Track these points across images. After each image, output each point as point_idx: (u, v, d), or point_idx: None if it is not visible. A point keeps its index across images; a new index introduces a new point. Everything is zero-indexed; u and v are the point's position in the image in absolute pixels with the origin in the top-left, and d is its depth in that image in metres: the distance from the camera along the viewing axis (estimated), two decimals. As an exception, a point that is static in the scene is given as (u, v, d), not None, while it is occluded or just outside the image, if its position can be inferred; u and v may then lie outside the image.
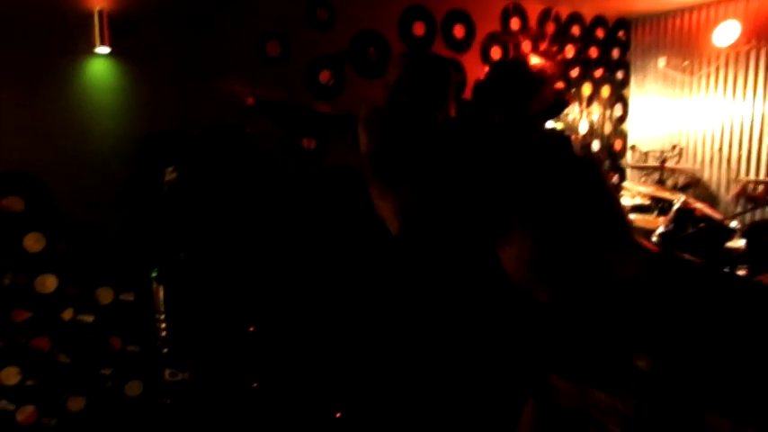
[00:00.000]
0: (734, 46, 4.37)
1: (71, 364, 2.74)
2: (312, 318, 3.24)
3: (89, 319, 2.79)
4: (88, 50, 2.95)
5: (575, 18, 4.69)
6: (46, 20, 2.85)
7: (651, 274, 1.05)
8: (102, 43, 2.94)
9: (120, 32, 2.99)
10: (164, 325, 2.81)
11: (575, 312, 1.09)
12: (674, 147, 4.73)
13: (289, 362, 3.11)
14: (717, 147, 4.66)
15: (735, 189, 4.43)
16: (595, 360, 1.04)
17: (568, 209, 1.12)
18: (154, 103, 3.09)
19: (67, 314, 2.75)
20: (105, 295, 2.86)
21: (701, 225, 3.97)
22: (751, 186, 4.42)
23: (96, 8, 2.94)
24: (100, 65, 3.01)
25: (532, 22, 4.46)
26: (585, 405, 1.01)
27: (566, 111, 4.44)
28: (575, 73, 4.74)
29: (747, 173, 4.50)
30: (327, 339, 3.18)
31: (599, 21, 4.84)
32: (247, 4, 3.35)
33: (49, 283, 2.73)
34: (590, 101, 4.89)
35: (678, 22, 4.79)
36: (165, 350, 2.80)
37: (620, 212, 1.26)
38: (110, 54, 3.00)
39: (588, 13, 4.75)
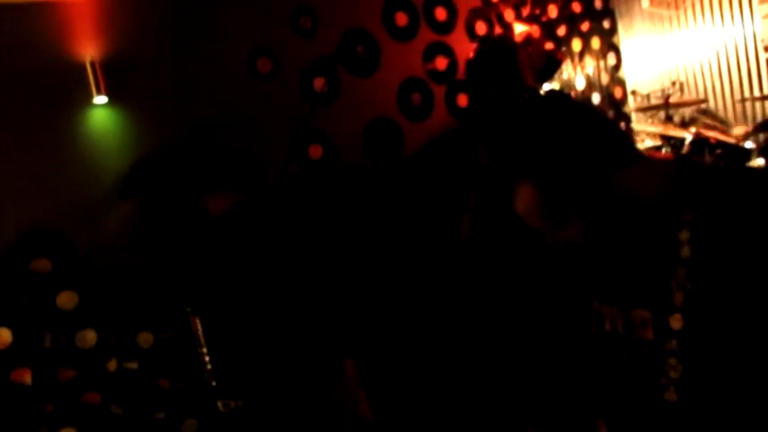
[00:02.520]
0: (714, -28, 3.90)
1: (125, 414, 2.48)
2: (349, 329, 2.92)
3: (134, 365, 2.52)
4: (87, 101, 2.68)
5: (551, -23, 4.24)
6: (44, 77, 2.61)
7: (678, 187, 0.88)
8: (99, 93, 2.68)
9: (115, 80, 2.72)
10: (207, 358, 2.52)
11: (606, 245, 0.95)
12: (674, 83, 4.26)
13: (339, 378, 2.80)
14: (716, 74, 4.20)
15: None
16: (636, 281, 0.93)
17: (571, 146, 0.92)
18: (156, 141, 2.80)
19: (112, 365, 2.49)
20: (146, 339, 2.58)
21: (718, 152, 3.55)
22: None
23: (88, 59, 2.67)
24: (100, 114, 2.74)
25: (511, -11, 4.04)
26: (631, 325, 0.91)
27: (559, 69, 4.02)
28: (561, 31, 4.29)
29: (751, 91, 4.03)
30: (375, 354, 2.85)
31: (576, -25, 4.38)
32: (230, 28, 3.04)
33: (90, 337, 2.46)
34: (582, 55, 4.43)
35: (654, -42, 4.32)
36: (214, 382, 2.51)
37: (624, 132, 1.08)
38: (108, 102, 2.72)
39: (563, -31, 4.30)
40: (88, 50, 2.70)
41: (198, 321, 2.55)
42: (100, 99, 2.69)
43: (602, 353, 0.99)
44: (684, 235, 0.87)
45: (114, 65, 2.73)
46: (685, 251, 0.86)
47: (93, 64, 2.69)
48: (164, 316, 2.64)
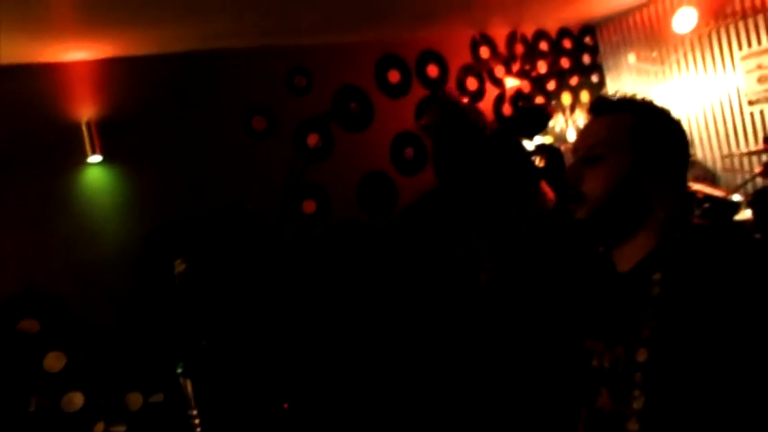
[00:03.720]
0: (695, 30, 4.14)
1: (111, 481, 2.47)
2: (342, 378, 2.94)
3: (122, 428, 2.52)
4: (82, 161, 2.79)
5: (541, 35, 4.48)
6: (41, 136, 2.72)
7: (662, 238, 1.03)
8: (94, 152, 2.79)
9: (110, 139, 2.85)
10: (197, 420, 2.53)
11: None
12: (661, 135, 4.45)
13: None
14: (702, 126, 4.40)
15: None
16: (617, 318, 1.03)
17: None
18: (151, 198, 2.91)
19: (99, 428, 2.49)
20: (135, 400, 2.60)
21: (706, 205, 3.68)
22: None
23: (84, 120, 2.78)
24: (95, 173, 2.84)
25: (501, 47, 4.26)
26: (615, 360, 1.00)
27: (550, 123, 4.19)
28: (551, 86, 4.51)
29: (738, 145, 4.22)
30: (357, 398, 2.87)
31: (564, 32, 4.63)
32: (228, 86, 3.19)
33: (76, 400, 2.48)
34: (572, 108, 4.64)
35: (639, 17, 4.58)
36: (204, 446, 2.51)
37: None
38: (102, 161, 2.82)
39: (552, 27, 4.54)
40: (84, 111, 2.83)
41: (189, 383, 2.57)
42: (94, 158, 2.79)
43: (584, 387, 1.08)
44: (657, 276, 0.97)
45: (109, 125, 2.85)
46: (655, 290, 0.96)
47: (88, 124, 2.80)
48: (154, 377, 2.65)
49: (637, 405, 0.94)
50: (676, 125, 1.06)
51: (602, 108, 1.08)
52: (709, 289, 0.90)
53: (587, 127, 1.10)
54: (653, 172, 1.01)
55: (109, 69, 2.90)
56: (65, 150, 2.77)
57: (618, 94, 1.08)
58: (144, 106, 2.97)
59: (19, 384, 2.40)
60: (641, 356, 0.95)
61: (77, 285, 2.68)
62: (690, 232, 0.99)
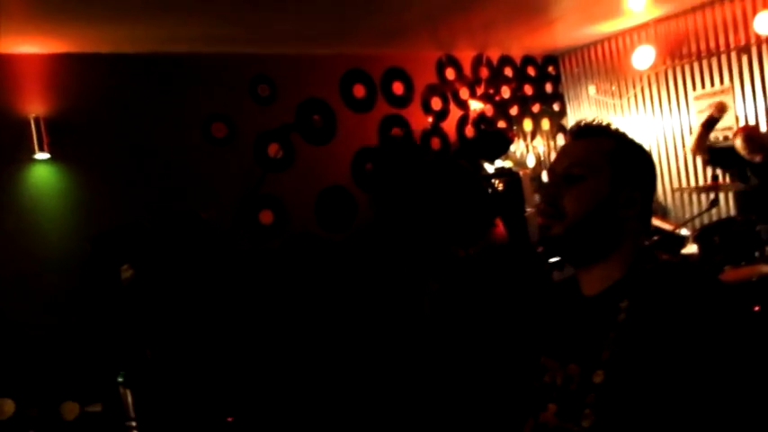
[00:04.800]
0: (653, 67, 4.46)
1: (40, 494, 2.43)
2: (292, 396, 2.99)
3: (54, 439, 2.49)
4: (28, 157, 2.77)
5: (505, 60, 4.72)
6: None
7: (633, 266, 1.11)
8: (42, 149, 2.78)
9: (60, 137, 2.83)
10: (137, 431, 2.53)
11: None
12: (617, 167, 4.73)
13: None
14: (656, 161, 4.70)
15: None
16: (576, 338, 1.10)
17: None
18: (101, 200, 2.91)
19: (30, 438, 2.45)
20: (71, 410, 2.56)
21: (654, 237, 3.94)
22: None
23: (32, 115, 2.76)
24: (41, 171, 2.83)
25: (467, 69, 4.47)
26: (567, 378, 1.07)
27: (511, 148, 4.40)
28: (514, 111, 4.74)
29: (688, 182, 4.53)
30: (307, 415, 2.93)
31: (528, 60, 4.90)
32: (188, 91, 3.23)
33: (7, 408, 2.43)
34: (533, 135, 4.89)
35: (600, 51, 4.89)
36: (142, 459, 2.51)
37: None
38: (50, 159, 2.81)
39: (517, 54, 4.80)
40: (33, 106, 2.81)
41: (129, 393, 2.58)
42: (41, 155, 2.78)
43: (532, 401, 1.15)
44: (624, 303, 1.03)
45: (60, 122, 2.84)
46: (621, 316, 1.02)
47: (37, 120, 2.79)
48: (93, 386, 2.64)
49: (586, 424, 1.01)
50: (649, 156, 1.15)
51: (584, 132, 1.14)
52: (671, 324, 0.96)
53: (567, 148, 1.15)
54: (628, 197, 1.07)
55: (63, 65, 2.90)
56: (10, 145, 2.74)
57: (596, 121, 1.16)
58: (98, 105, 2.98)
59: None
60: (597, 378, 1.00)
61: (15, 286, 2.65)
62: (659, 265, 1.06)
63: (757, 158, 3.59)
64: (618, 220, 1.08)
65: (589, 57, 4.97)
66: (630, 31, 4.59)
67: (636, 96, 4.75)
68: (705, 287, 1.02)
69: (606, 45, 4.83)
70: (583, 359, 1.05)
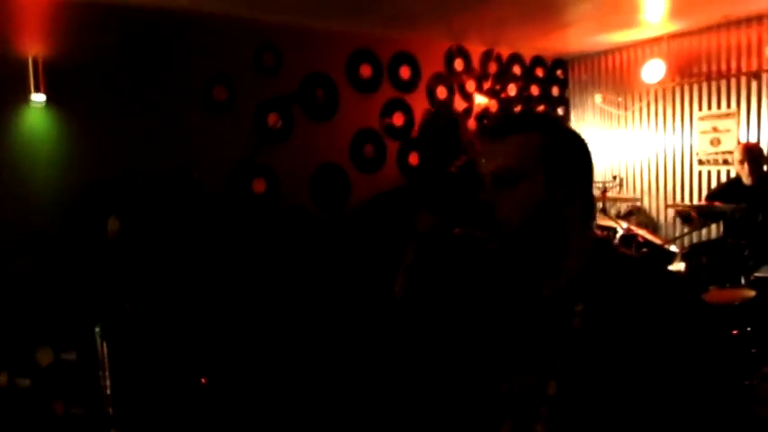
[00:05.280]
0: (661, 82, 4.52)
1: (7, 433, 2.48)
2: (267, 365, 3.05)
3: (25, 383, 2.53)
4: (23, 99, 2.77)
5: (515, 58, 4.77)
6: None
7: (588, 262, 1.06)
8: (38, 91, 2.78)
9: (57, 80, 2.84)
10: (108, 383, 2.57)
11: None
12: (614, 177, 4.82)
13: (245, 411, 2.91)
14: (653, 176, 4.78)
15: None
16: (533, 346, 1.05)
17: None
18: (94, 150, 2.93)
19: (2, 379, 2.49)
20: (45, 356, 2.61)
21: (644, 250, 4.02)
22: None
23: (30, 56, 2.77)
24: (35, 114, 2.84)
25: (475, 62, 4.51)
26: (523, 388, 1.03)
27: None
28: (518, 110, 4.79)
29: (682, 199, 4.61)
30: (283, 386, 2.99)
31: (538, 61, 4.95)
32: (192, 51, 3.25)
33: (-19, 345, 2.48)
34: (533, 136, 4.94)
35: (610, 60, 4.95)
36: (111, 410, 2.56)
37: None
38: (46, 102, 2.82)
39: (527, 53, 4.85)
40: (32, 47, 2.80)
41: (105, 344, 2.62)
42: (37, 97, 2.79)
43: (491, 412, 1.12)
44: (579, 307, 0.97)
45: (59, 66, 2.84)
46: (576, 322, 0.97)
47: (35, 60, 2.79)
48: (69, 334, 2.68)
49: None
50: (585, 145, 1.06)
51: (510, 128, 1.05)
52: (629, 328, 0.91)
53: (494, 148, 1.05)
54: (566, 195, 1.01)
55: (67, 9, 2.89)
56: (7, 85, 2.75)
57: (521, 113, 1.15)
58: (100, 54, 2.98)
59: None
60: (551, 389, 0.96)
61: (0, 229, 2.68)
62: (616, 261, 1.01)
63: (748, 181, 3.67)
64: (559, 221, 1.01)
65: (599, 65, 5.03)
66: (643, 43, 4.65)
67: (641, 110, 4.82)
68: (663, 285, 0.97)
69: (617, 55, 4.89)
70: (538, 368, 1.01)
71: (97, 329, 2.62)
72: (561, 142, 1.03)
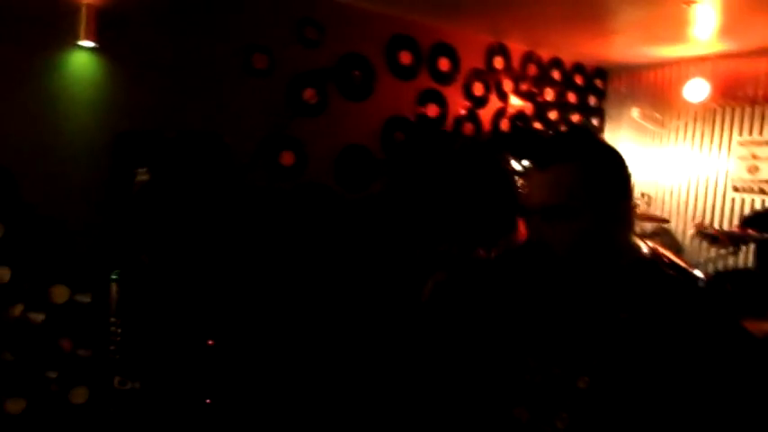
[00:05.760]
0: (703, 103, 4.49)
1: (14, 363, 2.55)
2: (275, 337, 3.09)
3: (39, 317, 2.61)
4: (72, 43, 2.86)
5: (555, 63, 4.78)
6: (31, 10, 2.75)
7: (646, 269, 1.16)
8: (87, 37, 2.86)
9: (107, 28, 2.91)
10: (119, 330, 2.64)
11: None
12: (642, 195, 4.78)
13: (246, 380, 2.95)
14: (683, 198, 4.74)
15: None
16: (566, 340, 1.11)
17: None
18: (133, 101, 3.00)
19: (17, 310, 2.57)
20: (60, 294, 2.69)
21: (671, 272, 3.98)
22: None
23: (84, 1, 2.86)
24: (82, 59, 2.91)
25: (515, 62, 4.53)
26: (548, 378, 1.09)
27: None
28: (553, 116, 4.79)
29: (712, 223, 4.56)
30: (288, 360, 3.03)
31: (578, 68, 4.95)
32: (236, 15, 3.32)
33: (2, 274, 2.56)
34: (565, 143, 4.93)
35: (652, 74, 4.92)
36: (117, 357, 2.62)
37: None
38: (93, 49, 2.91)
39: (568, 59, 4.85)
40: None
41: (119, 291, 2.69)
42: (86, 43, 2.87)
43: (510, 395, 1.18)
44: (623, 315, 1.04)
45: (109, 13, 2.91)
46: (619, 328, 1.03)
47: (89, 6, 2.87)
48: (87, 277, 2.76)
49: (560, 425, 1.04)
50: (624, 162, 1.13)
51: (554, 157, 1.09)
52: (669, 341, 0.97)
53: (539, 179, 1.09)
54: (614, 215, 1.08)
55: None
56: (57, 29, 2.83)
57: (563, 138, 1.17)
58: (150, 6, 3.06)
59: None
60: (582, 383, 1.03)
61: (33, 168, 2.75)
62: (662, 281, 1.09)
63: None
64: (609, 242, 1.07)
65: (639, 78, 5.01)
66: (688, 61, 4.61)
67: (678, 128, 4.78)
68: (707, 309, 1.02)
69: (660, 70, 4.86)
70: (567, 362, 1.07)
71: (113, 276, 2.70)
72: (606, 168, 1.10)
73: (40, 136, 2.79)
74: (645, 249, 4.02)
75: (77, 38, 2.84)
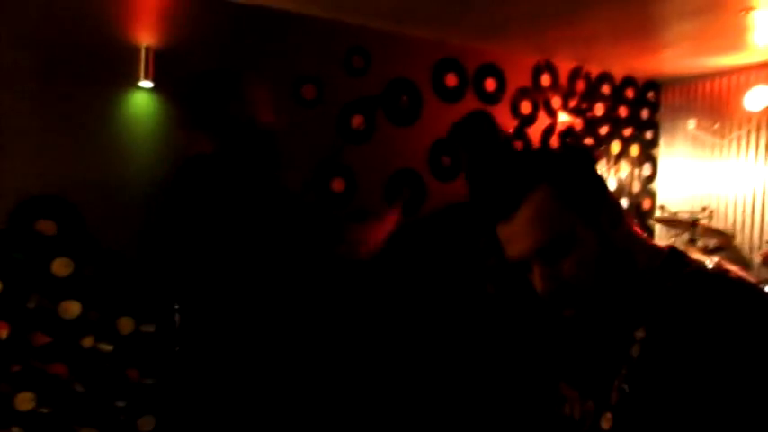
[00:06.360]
0: (766, 111, 4.34)
1: (86, 394, 2.68)
2: (334, 365, 3.14)
3: (108, 348, 2.74)
4: (132, 84, 3.03)
5: (604, 77, 4.73)
6: (94, 53, 2.94)
7: (657, 276, 1.00)
8: (147, 78, 3.03)
9: (163, 68, 3.08)
10: (182, 359, 2.74)
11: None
12: (704, 209, 4.64)
13: (307, 403, 3.00)
14: (749, 211, 4.57)
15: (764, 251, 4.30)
16: (593, 369, 1.00)
17: None
18: (189, 138, 3.14)
19: (87, 342, 2.71)
20: (126, 325, 2.82)
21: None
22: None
23: (144, 44, 3.04)
24: (142, 98, 3.08)
25: (563, 79, 4.51)
26: (584, 413, 0.99)
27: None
28: (603, 131, 4.73)
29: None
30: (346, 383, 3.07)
31: (628, 81, 4.87)
32: (284, 49, 3.44)
33: (73, 308, 2.71)
34: (618, 159, 4.86)
35: (708, 85, 4.80)
36: (180, 385, 2.72)
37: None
38: (152, 89, 3.08)
39: (618, 73, 4.79)
40: (146, 36, 3.08)
41: (180, 321, 2.80)
42: (145, 83, 3.05)
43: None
44: (640, 334, 0.93)
45: (166, 54, 3.10)
46: (635, 350, 0.93)
47: (147, 49, 3.06)
48: (151, 308, 2.88)
49: None
50: (586, 155, 1.05)
51: (513, 201, 0.95)
52: (697, 357, 0.84)
53: (510, 231, 0.96)
54: (609, 216, 0.97)
55: (178, 1, 3.16)
56: (119, 70, 3.01)
57: (510, 170, 0.97)
58: (204, 45, 3.21)
59: (24, 280, 2.64)
60: (606, 423, 0.93)
61: (98, 202, 2.91)
62: (683, 281, 0.95)
63: None
64: (618, 251, 0.96)
65: (695, 89, 4.89)
66: (748, 68, 4.48)
67: (740, 138, 4.64)
68: (745, 315, 0.85)
69: (717, 80, 4.73)
70: (597, 395, 0.98)
71: (176, 306, 2.81)
72: (572, 177, 0.97)
73: (103, 173, 2.96)
74: (709, 265, 3.90)
75: (137, 78, 3.02)
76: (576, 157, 1.00)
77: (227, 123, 2.46)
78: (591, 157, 0.98)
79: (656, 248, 1.03)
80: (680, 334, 0.88)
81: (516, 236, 0.95)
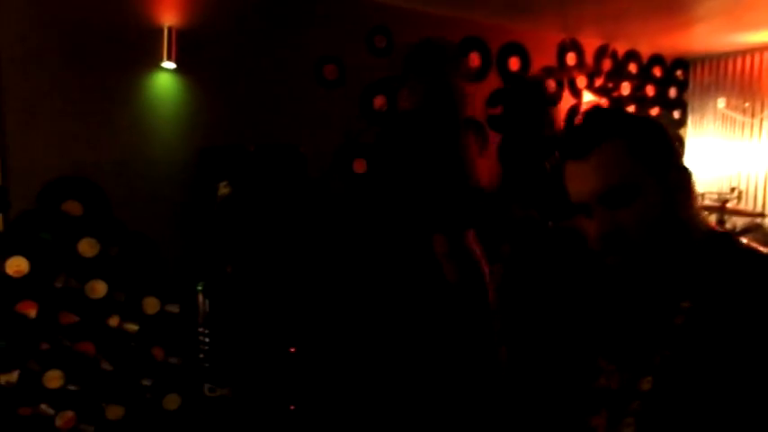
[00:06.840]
0: (798, 89, 4.23)
1: (113, 372, 2.72)
2: (354, 343, 3.16)
3: (134, 327, 2.78)
4: (155, 65, 3.03)
5: (631, 56, 4.63)
6: (117, 34, 2.94)
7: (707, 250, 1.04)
8: (169, 59, 3.03)
9: (186, 49, 3.07)
10: (207, 339, 2.78)
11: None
12: (732, 189, 4.55)
13: (327, 386, 3.03)
14: (779, 192, 4.48)
15: None
16: (632, 339, 1.03)
17: None
18: (213, 118, 3.15)
19: (114, 321, 2.75)
20: (151, 305, 2.86)
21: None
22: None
23: (167, 25, 3.03)
24: (165, 79, 3.08)
25: (588, 57, 4.42)
26: (622, 383, 1.02)
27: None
28: (630, 110, 4.64)
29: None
30: (368, 366, 3.09)
31: (656, 59, 4.77)
32: (306, 29, 3.41)
33: (99, 288, 2.74)
34: (645, 139, 4.77)
35: (739, 63, 4.68)
36: (207, 364, 2.76)
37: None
38: (175, 69, 3.07)
39: (645, 51, 4.69)
40: (169, 16, 3.07)
41: (206, 301, 2.83)
42: (168, 64, 3.05)
43: (585, 404, 1.11)
44: (685, 304, 0.96)
45: (189, 35, 3.09)
46: (680, 319, 0.96)
47: (170, 29, 3.05)
48: (175, 288, 2.91)
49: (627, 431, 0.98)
50: (662, 124, 1.06)
51: (590, 142, 1.00)
52: (739, 330, 0.88)
53: (581, 169, 1.01)
54: (677, 180, 1.00)
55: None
56: (141, 51, 3.01)
57: (591, 121, 1.03)
58: (227, 26, 3.20)
59: (51, 260, 2.68)
60: (645, 385, 0.96)
61: (122, 185, 2.93)
62: (734, 257, 0.98)
63: None
64: (676, 216, 0.99)
65: (725, 67, 4.77)
66: (780, 45, 4.37)
67: (771, 118, 4.53)
68: None
69: (748, 57, 4.61)
70: (636, 363, 1.00)
71: (199, 287, 2.84)
72: (649, 137, 1.01)
73: (127, 154, 2.97)
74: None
75: (160, 59, 3.02)
76: (652, 121, 1.06)
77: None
78: (661, 127, 1.03)
79: (712, 227, 1.06)
80: (729, 307, 0.90)
81: (584, 176, 1.00)
